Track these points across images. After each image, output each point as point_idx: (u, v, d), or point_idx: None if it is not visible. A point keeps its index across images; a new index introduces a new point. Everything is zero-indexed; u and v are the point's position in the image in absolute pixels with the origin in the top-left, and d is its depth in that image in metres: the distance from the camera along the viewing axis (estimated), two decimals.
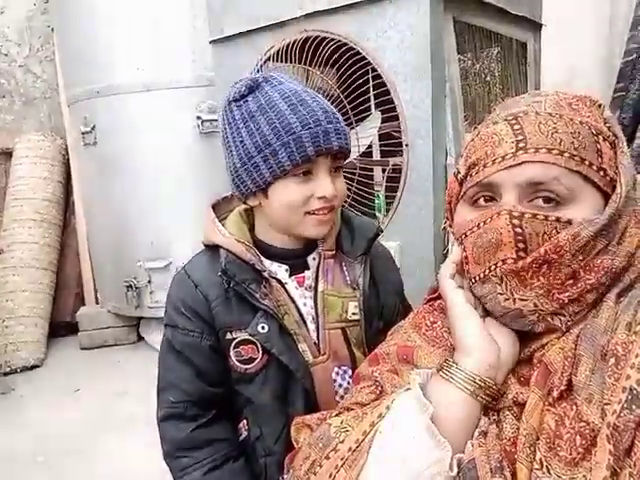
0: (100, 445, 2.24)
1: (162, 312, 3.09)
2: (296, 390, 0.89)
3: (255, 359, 0.88)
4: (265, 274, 0.87)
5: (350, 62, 1.53)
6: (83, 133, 2.97)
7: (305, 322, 0.91)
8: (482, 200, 0.65)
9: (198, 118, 2.75)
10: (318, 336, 0.91)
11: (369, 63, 1.52)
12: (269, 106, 0.82)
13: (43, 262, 3.33)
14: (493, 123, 0.65)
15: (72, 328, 3.46)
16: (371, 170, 1.63)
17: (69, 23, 2.96)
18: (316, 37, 1.59)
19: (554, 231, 0.59)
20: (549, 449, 0.54)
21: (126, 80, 2.79)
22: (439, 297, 0.80)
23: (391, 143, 1.54)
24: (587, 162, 0.60)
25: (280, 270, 0.91)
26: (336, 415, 0.72)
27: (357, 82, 1.54)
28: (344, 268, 0.94)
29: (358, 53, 1.53)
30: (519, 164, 0.60)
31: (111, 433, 2.32)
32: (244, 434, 0.92)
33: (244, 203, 0.92)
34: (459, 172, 0.69)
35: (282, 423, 0.88)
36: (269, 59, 1.74)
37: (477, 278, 0.63)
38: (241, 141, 0.84)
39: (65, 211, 3.58)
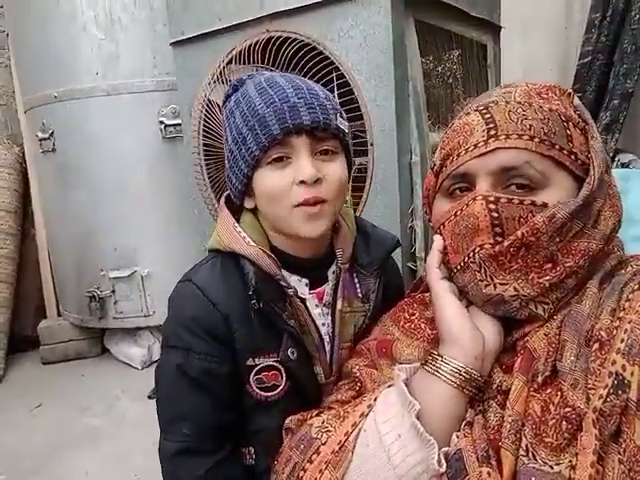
0: (64, 462, 2.16)
1: (127, 323, 3.01)
2: None
3: (278, 386, 0.79)
4: (290, 292, 0.79)
5: (313, 62, 1.52)
6: (41, 140, 2.87)
7: (323, 343, 0.83)
8: (458, 191, 0.66)
9: (161, 123, 2.70)
10: (332, 356, 0.84)
11: (332, 63, 1.51)
12: (243, 98, 0.77)
13: (1, 274, 3.20)
14: (465, 114, 0.66)
15: (33, 342, 3.33)
16: None
17: (25, 27, 2.87)
18: (278, 37, 1.58)
19: (530, 214, 0.59)
20: (535, 435, 0.53)
21: (85, 85, 2.71)
22: (420, 290, 0.81)
23: (356, 143, 1.54)
24: (557, 147, 0.61)
25: (300, 284, 0.82)
26: (317, 415, 0.70)
27: (321, 82, 1.53)
28: (355, 280, 0.87)
29: (321, 53, 1.52)
30: (491, 151, 0.61)
31: (75, 449, 2.24)
32: (249, 462, 0.83)
33: (241, 207, 0.84)
34: (434, 165, 0.70)
35: None
36: (231, 61, 1.72)
37: (458, 267, 0.64)
38: (226, 139, 0.80)
39: (23, 221, 3.46)
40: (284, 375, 0.79)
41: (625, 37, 2.23)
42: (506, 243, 0.58)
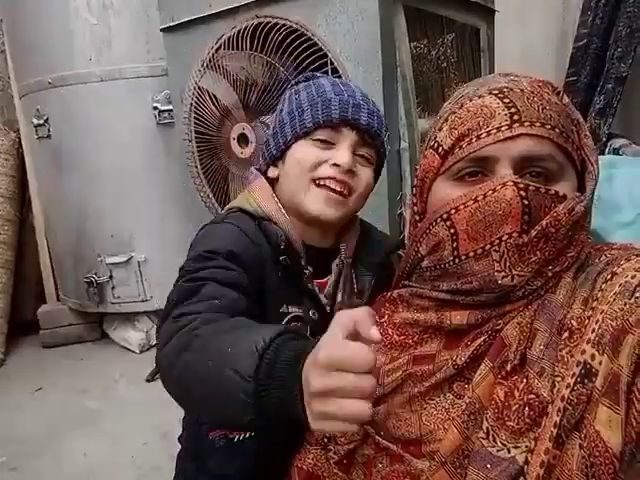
0: (65, 444, 2.20)
1: (125, 308, 3.03)
2: None
3: None
4: (306, 271, 0.81)
5: (302, 48, 1.51)
6: (36, 126, 2.87)
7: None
8: (467, 176, 0.63)
9: (155, 109, 2.70)
10: None
11: (321, 49, 1.51)
12: (314, 84, 0.83)
13: (0, 260, 3.23)
14: (478, 97, 0.63)
15: (33, 327, 3.37)
16: None
17: (19, 13, 2.84)
18: (267, 23, 1.57)
19: (553, 205, 0.59)
20: (497, 419, 0.55)
21: (79, 70, 2.70)
22: (392, 287, 0.80)
23: None
24: (570, 140, 0.61)
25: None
26: None
27: (310, 68, 1.53)
28: (354, 276, 0.89)
29: (310, 39, 1.52)
30: (515, 136, 0.59)
31: (75, 431, 2.28)
32: (240, 437, 0.83)
33: (265, 177, 0.85)
34: (440, 145, 0.65)
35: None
36: (220, 47, 1.71)
37: (470, 255, 0.61)
38: (280, 110, 0.84)
39: (21, 207, 3.47)
40: (308, 331, 0.80)
41: (620, 20, 2.21)
42: (533, 233, 0.57)
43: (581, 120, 0.65)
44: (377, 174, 0.89)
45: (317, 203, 0.78)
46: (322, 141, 0.79)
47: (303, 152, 0.80)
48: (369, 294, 0.88)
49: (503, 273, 0.59)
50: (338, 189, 0.78)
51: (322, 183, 0.78)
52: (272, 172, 0.85)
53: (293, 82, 0.89)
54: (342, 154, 0.78)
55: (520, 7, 2.70)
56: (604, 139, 2.16)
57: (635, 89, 2.30)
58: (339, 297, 0.86)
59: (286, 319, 0.79)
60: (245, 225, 0.79)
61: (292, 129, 0.80)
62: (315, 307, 0.81)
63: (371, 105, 0.82)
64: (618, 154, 2.01)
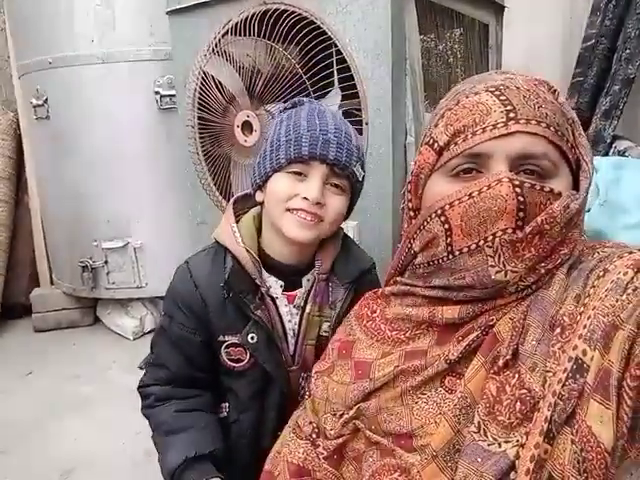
0: (55, 429, 2.18)
1: (119, 294, 3.05)
2: (274, 390, 0.98)
3: (243, 360, 0.96)
4: (263, 290, 0.94)
5: (310, 37, 1.49)
6: (35, 106, 2.83)
7: (286, 336, 0.99)
8: (462, 173, 0.64)
9: (157, 93, 2.66)
10: (295, 349, 1.00)
11: (330, 38, 1.49)
12: (294, 115, 0.92)
13: None
14: (474, 94, 0.63)
15: (25, 310, 3.34)
16: None
17: None
18: (275, 10, 1.55)
19: (548, 202, 0.59)
20: (488, 413, 0.55)
21: (80, 51, 2.65)
22: (384, 284, 0.81)
23: (351, 121, 1.52)
24: (565, 138, 0.62)
25: (275, 285, 0.97)
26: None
27: (318, 57, 1.50)
28: (330, 289, 1.00)
29: (319, 27, 1.49)
30: (511, 133, 0.59)
31: (66, 416, 2.26)
32: (224, 414, 1.02)
33: (254, 198, 0.99)
34: (435, 141, 0.66)
35: (256, 414, 0.99)
36: (227, 32, 1.69)
37: (464, 250, 0.61)
38: (265, 140, 0.94)
39: (17, 188, 3.43)
40: (248, 353, 0.95)
41: (630, 21, 2.19)
42: (527, 229, 0.58)
43: (576, 119, 0.66)
44: (353, 198, 0.98)
45: (291, 227, 0.89)
46: (296, 172, 0.89)
47: (278, 184, 0.90)
48: (342, 305, 0.98)
49: (497, 268, 0.59)
50: (309, 218, 0.89)
51: (294, 212, 0.89)
52: (259, 197, 0.96)
53: (281, 109, 0.98)
54: (311, 188, 0.87)
55: (528, 6, 2.68)
56: (609, 141, 2.15)
57: None
58: (308, 308, 0.97)
59: (223, 346, 0.95)
60: (200, 266, 0.97)
61: (270, 163, 0.90)
62: (258, 331, 0.93)
63: (342, 138, 0.88)
64: (624, 156, 2.01)
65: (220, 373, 0.99)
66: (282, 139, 0.89)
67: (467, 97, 0.64)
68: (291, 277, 0.98)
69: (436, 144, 0.66)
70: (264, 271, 0.96)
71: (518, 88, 0.62)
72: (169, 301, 0.98)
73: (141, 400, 1.02)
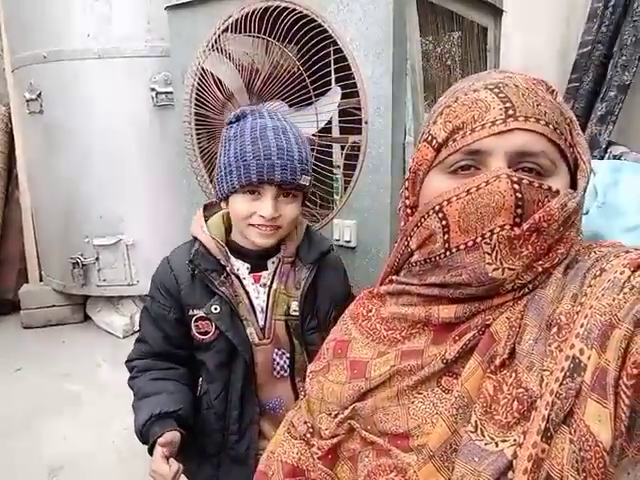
0: (44, 426, 2.16)
1: (110, 291, 3.05)
2: (238, 362, 1.09)
3: (209, 332, 1.09)
4: (227, 269, 1.08)
5: (311, 34, 1.48)
6: (28, 100, 2.80)
7: (255, 311, 1.11)
8: (460, 170, 0.63)
9: (152, 90, 2.65)
10: (265, 323, 1.11)
11: (331, 36, 1.48)
12: (240, 135, 1.02)
13: None
14: (473, 91, 0.63)
15: (14, 306, 3.30)
16: (330, 147, 1.60)
17: None
18: (276, 7, 1.54)
19: (546, 199, 0.59)
20: (485, 412, 0.55)
21: (76, 46, 2.64)
22: (379, 283, 0.81)
23: (351, 120, 1.52)
24: (564, 137, 0.62)
25: (242, 267, 1.12)
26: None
27: (318, 55, 1.50)
28: (296, 272, 1.13)
29: (319, 25, 1.49)
30: (509, 130, 0.59)
31: (55, 414, 2.24)
32: (199, 390, 1.16)
33: (220, 206, 1.13)
34: (434, 138, 0.66)
35: (222, 385, 1.11)
36: (227, 29, 1.68)
37: (461, 247, 0.61)
38: (220, 156, 1.06)
39: (8, 183, 3.39)
40: (213, 325, 1.08)
41: (626, 28, 2.21)
42: (525, 226, 0.57)
43: (574, 119, 0.66)
44: (305, 195, 1.11)
45: (255, 237, 1.05)
46: (250, 191, 1.02)
47: (237, 206, 1.04)
48: (305, 283, 1.12)
49: (494, 265, 0.59)
50: (268, 230, 1.04)
51: (255, 226, 1.04)
52: (224, 206, 1.11)
53: (227, 121, 1.08)
54: (265, 207, 1.01)
55: (525, 12, 2.70)
56: (604, 146, 2.17)
57: (636, 98, 2.31)
58: (275, 284, 1.11)
59: (193, 320, 1.09)
60: (177, 256, 1.13)
61: (226, 185, 1.03)
62: (221, 304, 1.07)
63: (285, 159, 1.00)
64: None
65: (193, 349, 1.12)
66: (232, 164, 1.01)
67: (466, 94, 0.64)
68: (257, 261, 1.12)
69: (434, 141, 0.65)
70: (231, 256, 1.11)
71: (517, 86, 0.62)
72: (152, 285, 1.14)
73: (128, 373, 1.16)
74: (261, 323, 1.11)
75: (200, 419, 1.13)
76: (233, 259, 1.11)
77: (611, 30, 2.29)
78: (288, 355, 1.13)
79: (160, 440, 0.97)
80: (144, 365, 1.13)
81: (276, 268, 1.12)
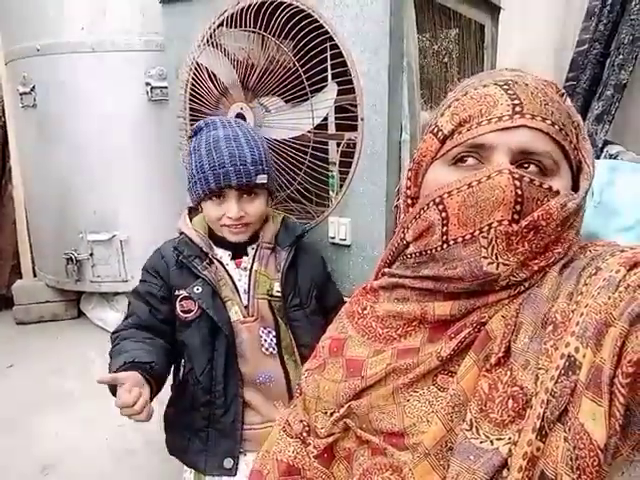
0: (35, 424, 2.15)
1: (104, 287, 3.02)
2: (220, 338, 1.18)
3: (192, 310, 1.19)
4: (210, 255, 1.22)
5: (307, 30, 1.47)
6: (21, 94, 2.78)
7: (238, 292, 1.23)
8: (460, 162, 0.64)
9: (147, 84, 2.63)
10: (249, 303, 1.22)
11: (327, 32, 1.47)
12: (197, 149, 1.18)
13: None
14: (482, 86, 0.64)
15: (7, 302, 3.28)
16: (326, 144, 1.59)
17: None
18: (272, 2, 1.52)
19: (545, 199, 0.59)
20: (480, 411, 0.55)
21: (69, 39, 2.61)
22: (373, 277, 0.80)
23: (347, 117, 1.51)
24: (569, 139, 0.62)
25: (224, 254, 1.26)
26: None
27: (314, 51, 1.48)
28: (276, 256, 1.26)
29: (316, 21, 1.47)
30: (515, 127, 0.59)
31: (47, 411, 2.23)
32: (181, 370, 1.24)
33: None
34: (440, 130, 0.66)
35: (206, 360, 1.18)
36: (222, 24, 1.66)
37: (459, 240, 0.61)
38: (186, 168, 1.22)
39: (1, 177, 3.36)
40: (196, 304, 1.19)
41: (623, 27, 2.20)
42: (523, 223, 0.58)
43: (581, 123, 0.66)
44: (270, 191, 1.26)
45: (229, 236, 1.21)
46: (216, 196, 1.17)
47: (207, 211, 1.20)
48: (285, 264, 1.24)
49: (489, 260, 0.59)
50: (239, 227, 1.19)
51: (227, 227, 1.19)
52: (200, 209, 1.25)
53: (191, 132, 1.24)
54: (230, 210, 1.16)
55: (522, 10, 2.69)
56: (600, 145, 2.17)
57: (632, 97, 2.31)
58: (255, 266, 1.24)
59: (178, 300, 1.20)
60: (167, 245, 1.27)
61: (195, 194, 1.19)
62: (203, 285, 1.18)
63: (238, 164, 1.13)
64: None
65: (177, 330, 1.21)
66: (195, 176, 1.17)
67: (475, 89, 0.64)
68: (238, 249, 1.25)
69: (440, 132, 0.66)
70: (214, 246, 1.25)
71: (527, 85, 0.62)
72: (143, 271, 1.26)
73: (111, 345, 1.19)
74: (244, 302, 1.22)
75: (187, 395, 1.21)
76: (216, 248, 1.25)
77: (609, 29, 2.28)
78: (274, 333, 1.22)
79: (121, 374, 1.00)
80: (128, 333, 1.18)
81: (255, 252, 1.25)
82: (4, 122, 3.30)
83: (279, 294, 1.23)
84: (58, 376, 2.52)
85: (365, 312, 0.76)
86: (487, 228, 0.58)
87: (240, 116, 1.61)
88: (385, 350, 0.69)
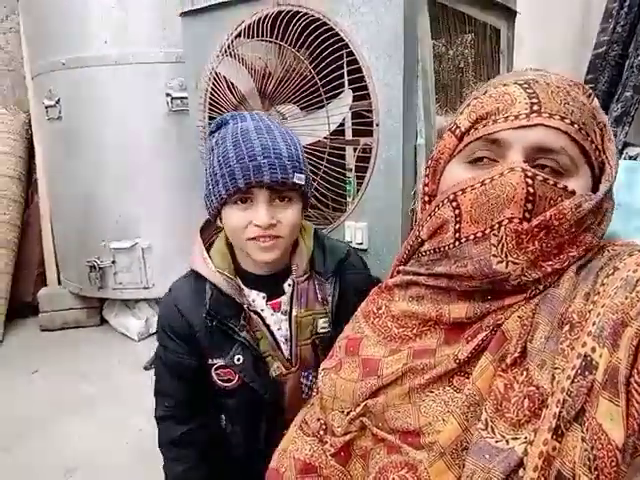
0: (58, 427, 2.19)
1: (126, 294, 3.04)
2: (264, 404, 1.01)
3: (232, 380, 1.00)
4: (245, 307, 0.97)
5: (322, 38, 1.49)
6: (47, 107, 2.86)
7: (278, 344, 1.02)
8: (478, 161, 0.64)
9: (168, 95, 2.68)
10: (291, 352, 1.02)
11: (342, 40, 1.49)
12: (221, 142, 0.92)
13: (3, 240, 3.21)
14: (502, 85, 0.64)
15: (32, 309, 3.35)
16: (342, 150, 1.61)
17: None
18: (288, 12, 1.55)
19: (559, 199, 0.58)
20: (495, 410, 0.55)
21: (93, 53, 2.68)
22: (390, 276, 0.81)
23: (362, 122, 1.52)
24: (590, 139, 0.61)
25: (258, 298, 1.00)
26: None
27: (329, 58, 1.51)
28: (316, 286, 1.02)
29: (331, 29, 1.50)
30: (531, 126, 0.59)
31: (70, 415, 2.27)
32: (223, 424, 1.07)
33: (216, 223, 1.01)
34: (458, 127, 0.66)
35: (248, 426, 1.04)
36: (240, 34, 1.70)
37: (471, 237, 0.61)
38: (205, 170, 0.95)
39: (27, 188, 3.46)
40: (236, 374, 0.99)
41: None
42: (534, 222, 0.57)
43: (607, 124, 0.65)
44: (305, 196, 0.98)
45: (256, 253, 0.93)
46: (241, 200, 0.91)
47: (230, 219, 0.92)
48: (332, 299, 1.01)
49: (498, 258, 0.58)
50: (268, 241, 0.91)
51: (254, 240, 0.91)
52: (219, 222, 0.98)
53: (208, 132, 1.00)
54: (259, 214, 0.89)
55: (540, 12, 2.68)
56: (620, 147, 2.14)
57: None
58: (295, 311, 1.00)
59: (213, 369, 0.99)
60: (182, 292, 1.01)
61: (215, 198, 0.92)
62: (243, 352, 0.97)
63: (272, 157, 0.88)
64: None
65: (214, 392, 1.03)
66: (217, 174, 0.90)
67: (495, 88, 0.65)
68: (273, 286, 1.01)
69: (458, 130, 0.66)
70: (245, 288, 1.00)
71: (548, 84, 0.62)
72: (160, 332, 1.03)
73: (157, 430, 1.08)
74: (287, 354, 1.02)
75: (226, 448, 1.09)
76: (247, 290, 1.00)
77: (626, 30, 2.26)
78: (314, 374, 1.03)
79: None
80: (179, 454, 1.06)
81: (292, 291, 1.02)
82: (31, 135, 3.40)
83: (325, 330, 1.02)
84: (81, 381, 2.56)
85: (380, 312, 0.76)
86: (497, 226, 0.58)
87: None
88: (401, 350, 0.69)
